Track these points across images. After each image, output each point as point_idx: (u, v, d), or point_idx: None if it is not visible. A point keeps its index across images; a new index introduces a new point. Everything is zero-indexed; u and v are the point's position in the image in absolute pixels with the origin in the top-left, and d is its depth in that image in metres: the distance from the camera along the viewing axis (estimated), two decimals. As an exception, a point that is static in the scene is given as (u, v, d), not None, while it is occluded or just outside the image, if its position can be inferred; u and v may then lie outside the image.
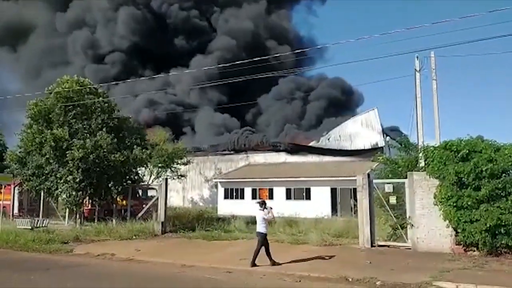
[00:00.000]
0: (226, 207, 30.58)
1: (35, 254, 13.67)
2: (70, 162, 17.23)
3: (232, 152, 39.14)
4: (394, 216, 13.69)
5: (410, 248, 13.04)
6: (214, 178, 35.96)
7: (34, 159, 18.38)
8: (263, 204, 11.29)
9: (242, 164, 37.80)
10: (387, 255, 12.36)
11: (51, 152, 17.52)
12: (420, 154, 13.94)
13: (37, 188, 19.06)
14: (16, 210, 24.13)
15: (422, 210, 13.05)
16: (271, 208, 11.57)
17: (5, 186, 22.30)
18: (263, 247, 10.98)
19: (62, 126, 18.21)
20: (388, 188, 13.80)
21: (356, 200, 17.61)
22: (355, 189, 18.11)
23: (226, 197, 32.15)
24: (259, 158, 37.68)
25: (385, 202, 13.72)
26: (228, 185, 32.43)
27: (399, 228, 13.60)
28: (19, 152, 19.55)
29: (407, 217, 13.33)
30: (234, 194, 31.77)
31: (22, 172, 19.11)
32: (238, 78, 19.89)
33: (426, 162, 13.42)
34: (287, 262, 11.12)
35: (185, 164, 31.47)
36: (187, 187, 38.66)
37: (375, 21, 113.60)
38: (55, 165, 17.77)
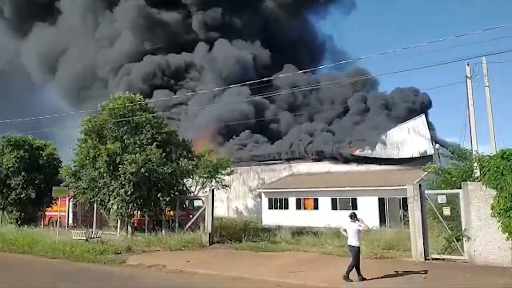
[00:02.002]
0: (270, 217, 30.57)
1: (91, 265, 14.21)
2: (122, 175, 17.88)
3: (276, 161, 39.15)
4: (449, 228, 13.18)
5: (466, 262, 12.50)
6: (258, 188, 36.07)
7: (88, 172, 19.17)
8: (354, 216, 10.81)
9: (285, 173, 37.66)
10: (442, 269, 11.88)
11: (105, 166, 18.25)
12: (475, 164, 13.35)
13: (90, 200, 19.82)
14: (70, 221, 25.26)
15: (478, 222, 12.51)
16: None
17: (60, 199, 23.42)
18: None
19: (115, 141, 18.94)
20: (441, 199, 13.30)
21: (405, 210, 17.10)
22: (404, 199, 17.57)
23: (270, 207, 32.13)
24: (302, 167, 37.42)
25: (438, 214, 13.24)
26: (272, 195, 32.41)
27: (454, 240, 13.06)
28: (74, 167, 20.45)
29: (463, 229, 12.80)
30: (278, 204, 31.71)
31: (77, 185, 19.95)
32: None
33: (481, 172, 12.85)
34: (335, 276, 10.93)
35: (229, 174, 31.81)
36: (231, 197, 38.97)
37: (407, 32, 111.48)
38: (108, 178, 18.46)
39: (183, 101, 48.22)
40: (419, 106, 43.05)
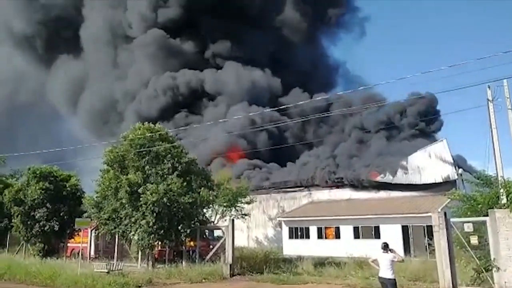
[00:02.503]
0: (291, 247, 30.08)
1: (113, 298, 14.15)
2: (143, 206, 17.99)
3: (295, 189, 38.77)
4: (477, 258, 12.72)
5: (497, 293, 11.99)
6: (278, 217, 35.66)
7: (110, 203, 19.35)
8: (387, 247, 10.36)
9: (305, 201, 37.20)
10: (472, 301, 11.42)
11: (126, 196, 18.41)
12: (501, 190, 12.98)
13: (112, 231, 19.92)
14: (92, 253, 25.38)
15: (508, 251, 12.04)
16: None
17: (82, 230, 23.63)
18: None
19: (137, 171, 19.17)
20: (468, 227, 12.90)
21: (430, 238, 16.63)
22: (428, 227, 17.09)
23: (291, 236, 31.62)
24: (322, 195, 36.92)
25: (465, 243, 12.82)
26: (292, 224, 31.96)
27: (483, 271, 12.58)
28: (96, 197, 20.70)
29: (492, 259, 12.33)
30: (299, 233, 31.21)
31: (99, 216, 20.12)
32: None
33: (508, 198, 12.48)
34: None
35: (248, 203, 31.56)
36: (251, 226, 38.60)
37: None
38: (129, 209, 18.59)
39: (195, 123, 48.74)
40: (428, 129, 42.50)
